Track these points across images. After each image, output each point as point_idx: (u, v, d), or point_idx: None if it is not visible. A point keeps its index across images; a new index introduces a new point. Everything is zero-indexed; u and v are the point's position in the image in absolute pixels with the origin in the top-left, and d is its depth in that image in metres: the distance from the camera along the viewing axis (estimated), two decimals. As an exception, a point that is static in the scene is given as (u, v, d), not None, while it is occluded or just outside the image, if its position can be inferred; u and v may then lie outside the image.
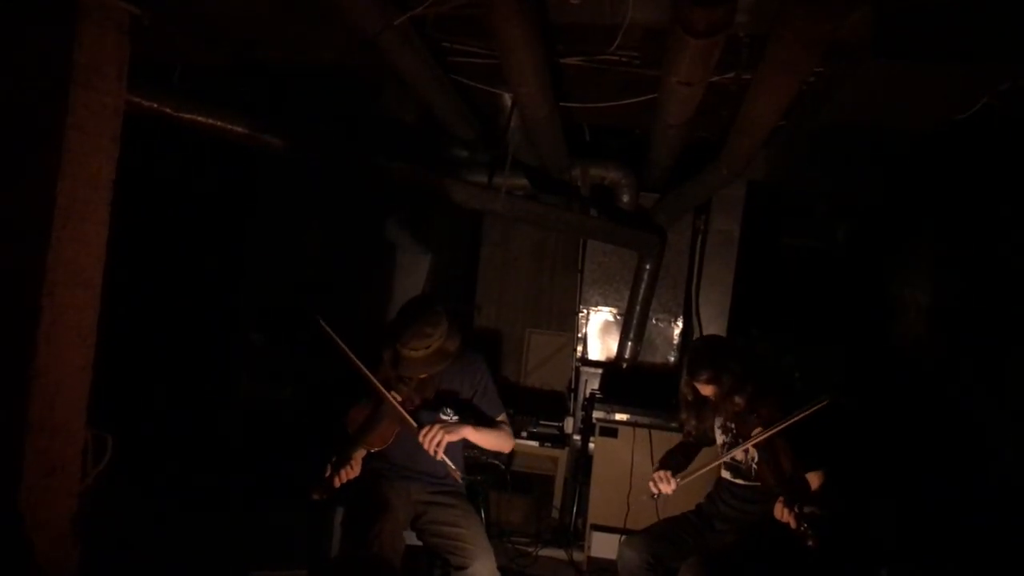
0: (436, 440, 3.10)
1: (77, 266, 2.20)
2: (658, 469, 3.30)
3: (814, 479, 3.12)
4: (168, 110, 3.65)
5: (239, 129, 3.89)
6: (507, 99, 4.27)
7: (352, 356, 3.05)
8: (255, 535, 3.81)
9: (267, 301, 5.58)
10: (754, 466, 3.22)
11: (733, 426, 3.30)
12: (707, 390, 3.26)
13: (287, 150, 4.05)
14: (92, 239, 2.24)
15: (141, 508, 3.83)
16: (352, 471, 3.07)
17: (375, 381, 3.09)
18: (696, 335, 5.29)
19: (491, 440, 3.40)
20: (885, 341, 5.47)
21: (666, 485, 3.21)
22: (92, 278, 2.26)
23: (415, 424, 3.14)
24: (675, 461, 3.45)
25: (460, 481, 3.26)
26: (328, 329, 2.98)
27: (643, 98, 3.76)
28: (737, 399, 3.20)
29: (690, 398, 3.38)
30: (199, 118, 3.76)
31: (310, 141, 4.13)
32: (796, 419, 2.99)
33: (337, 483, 3.00)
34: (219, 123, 3.83)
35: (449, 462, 3.17)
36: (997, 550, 3.73)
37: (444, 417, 3.32)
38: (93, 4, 2.17)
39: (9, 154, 2.15)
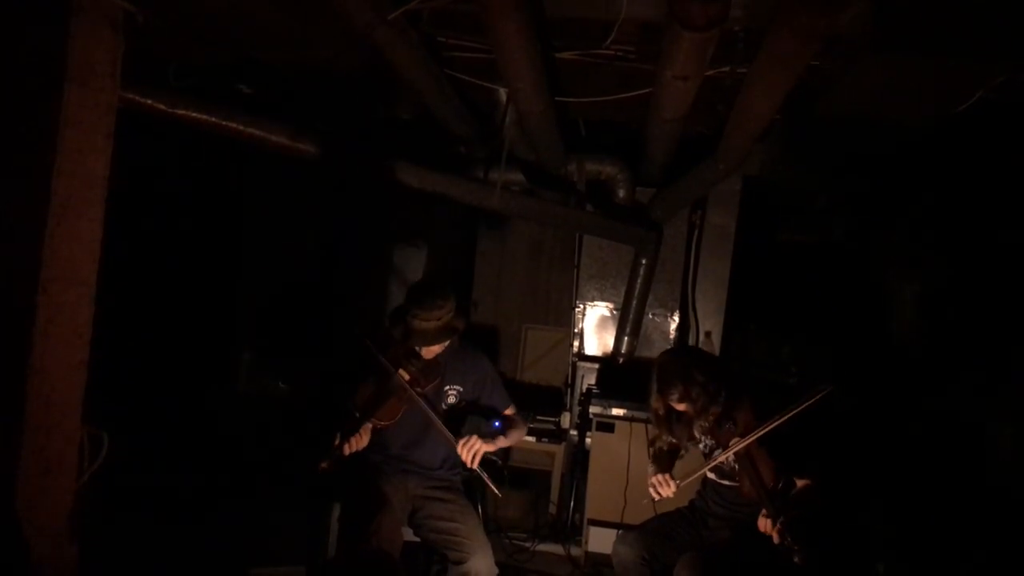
0: (474, 449, 3.19)
1: (72, 264, 2.19)
2: (656, 472, 3.27)
3: (798, 484, 3.11)
4: (162, 107, 3.65)
5: (233, 126, 3.88)
6: (503, 94, 4.26)
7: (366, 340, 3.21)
8: (253, 532, 3.80)
9: (263, 298, 5.57)
10: (736, 467, 3.19)
11: (711, 436, 3.27)
12: (680, 405, 3.21)
13: (282, 147, 4.04)
14: (87, 236, 2.24)
15: (139, 506, 3.83)
16: (361, 440, 3.14)
17: (385, 361, 3.20)
18: (693, 330, 5.29)
19: (516, 438, 3.53)
20: (881, 335, 5.48)
21: (667, 488, 3.18)
22: (87, 275, 2.25)
23: (431, 412, 3.22)
24: (667, 459, 3.43)
25: (499, 494, 3.32)
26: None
27: (639, 93, 3.75)
28: (711, 410, 3.16)
29: (662, 412, 3.33)
30: (193, 115, 3.76)
31: (306, 138, 4.12)
32: (771, 426, 2.98)
33: (347, 451, 3.05)
34: (213, 120, 3.82)
35: (485, 475, 3.23)
36: (993, 547, 3.73)
37: (445, 407, 3.40)
38: (87, 1, 2.16)
39: (3, 152, 2.14)
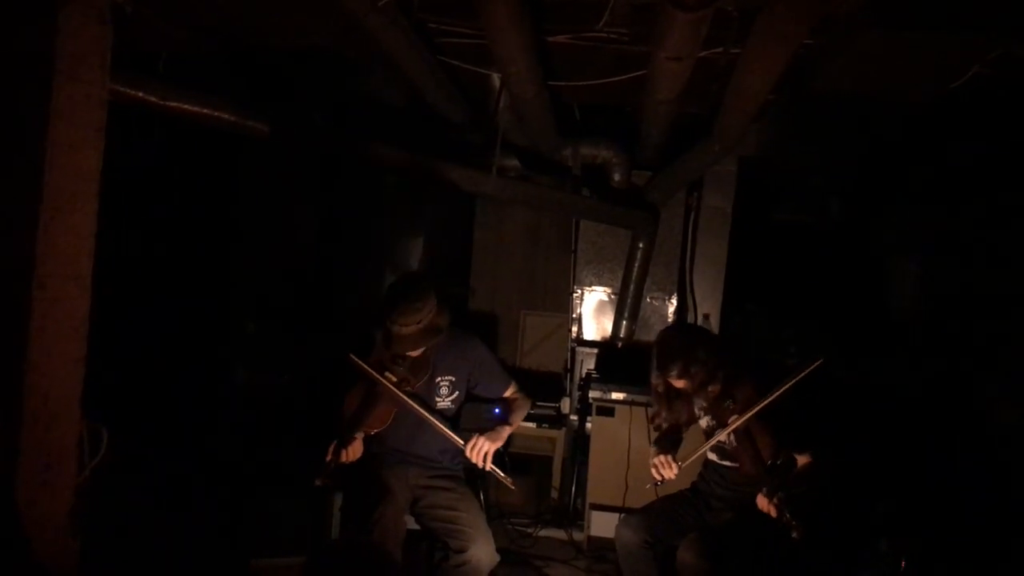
0: (484, 450, 3.17)
1: (67, 258, 2.18)
2: (657, 453, 3.25)
3: (799, 462, 3.10)
4: (154, 99, 3.63)
5: (226, 116, 3.87)
6: (496, 79, 4.25)
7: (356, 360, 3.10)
8: (254, 523, 3.80)
9: (260, 288, 5.55)
10: (736, 446, 3.17)
11: (711, 413, 3.26)
12: (679, 383, 3.20)
13: (276, 137, 4.03)
14: (81, 231, 2.22)
15: (139, 498, 3.82)
16: (355, 451, 3.10)
17: (371, 371, 3.09)
18: (691, 312, 5.29)
19: (520, 419, 3.48)
20: (881, 311, 5.48)
21: (669, 470, 3.16)
22: (83, 270, 2.24)
23: (424, 412, 3.17)
24: (669, 441, 3.42)
25: (513, 488, 3.31)
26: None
27: (633, 75, 3.74)
28: (711, 388, 3.16)
29: (661, 390, 3.31)
30: (185, 106, 3.74)
31: (299, 127, 4.10)
32: (766, 401, 2.97)
33: (344, 458, 3.02)
34: (206, 111, 3.80)
35: (499, 471, 3.22)
36: (996, 523, 3.74)
37: (439, 399, 3.34)
38: (74, -7, 2.14)
39: (-6, 147, 2.13)
